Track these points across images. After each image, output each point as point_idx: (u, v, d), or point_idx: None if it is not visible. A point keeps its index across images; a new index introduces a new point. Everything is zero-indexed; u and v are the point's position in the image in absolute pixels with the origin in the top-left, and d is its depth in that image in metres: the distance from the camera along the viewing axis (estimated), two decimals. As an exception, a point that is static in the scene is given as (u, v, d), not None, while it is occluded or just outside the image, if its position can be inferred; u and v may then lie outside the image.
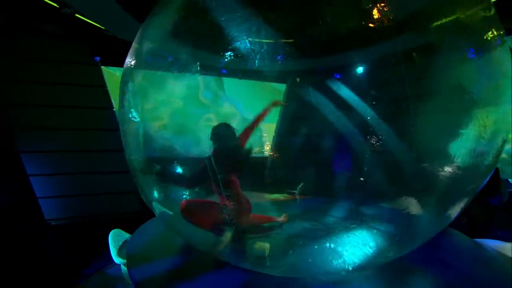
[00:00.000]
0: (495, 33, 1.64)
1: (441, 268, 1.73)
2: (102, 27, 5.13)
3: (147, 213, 5.65)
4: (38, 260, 3.81)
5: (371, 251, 1.66)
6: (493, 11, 1.63)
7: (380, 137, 1.69)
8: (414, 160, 1.61)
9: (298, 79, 2.25)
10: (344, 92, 2.27)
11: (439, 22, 1.65)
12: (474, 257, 1.91)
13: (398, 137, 1.72)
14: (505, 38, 1.65)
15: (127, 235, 2.21)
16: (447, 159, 1.52)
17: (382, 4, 1.42)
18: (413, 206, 2.02)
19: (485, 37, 1.65)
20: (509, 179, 4.82)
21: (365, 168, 2.19)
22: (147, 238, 2.28)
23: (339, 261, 1.60)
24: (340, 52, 1.96)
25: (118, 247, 2.09)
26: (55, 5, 4.22)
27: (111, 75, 6.52)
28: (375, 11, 1.45)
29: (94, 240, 4.39)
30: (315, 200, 2.70)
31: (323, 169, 2.67)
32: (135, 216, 5.47)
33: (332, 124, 2.43)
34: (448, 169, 1.49)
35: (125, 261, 1.96)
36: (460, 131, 1.47)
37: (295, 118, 2.78)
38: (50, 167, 5.33)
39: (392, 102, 1.80)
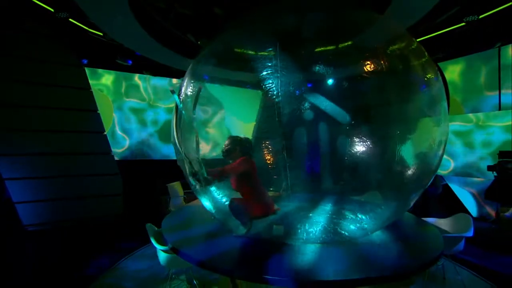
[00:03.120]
0: (432, 73, 2.55)
1: (397, 231, 2.60)
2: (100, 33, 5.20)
3: (131, 216, 5.77)
4: (16, 267, 3.69)
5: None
6: (427, 58, 2.53)
7: (356, 140, 2.44)
8: (386, 162, 2.42)
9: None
10: (321, 102, 3.03)
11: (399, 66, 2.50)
12: (417, 225, 2.89)
13: (371, 142, 2.51)
14: (438, 76, 2.56)
15: (156, 228, 2.65)
16: (412, 161, 2.36)
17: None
18: (378, 198, 2.88)
19: (428, 76, 2.54)
20: (442, 175, 6.22)
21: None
22: (175, 221, 2.84)
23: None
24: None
25: (153, 236, 2.51)
26: (50, 9, 4.27)
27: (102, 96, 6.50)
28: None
29: (75, 245, 4.46)
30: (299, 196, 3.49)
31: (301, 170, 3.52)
32: (119, 219, 5.60)
33: (309, 130, 3.18)
34: (411, 168, 2.31)
35: (161, 246, 2.42)
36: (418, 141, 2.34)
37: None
38: (28, 170, 5.16)
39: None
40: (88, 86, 5.95)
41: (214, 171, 2.39)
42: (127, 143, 7.13)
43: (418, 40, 4.17)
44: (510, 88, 5.50)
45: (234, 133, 2.77)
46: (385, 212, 2.52)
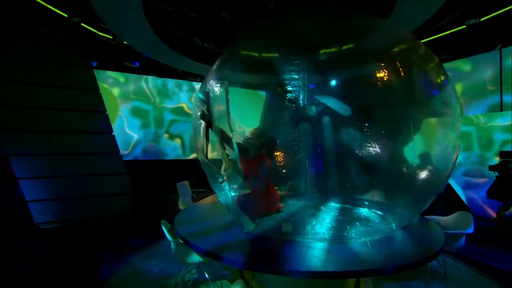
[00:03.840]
0: (442, 77, 2.65)
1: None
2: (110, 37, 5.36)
3: (139, 215, 5.93)
4: (28, 264, 3.77)
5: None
6: (437, 61, 2.62)
7: (367, 144, 2.57)
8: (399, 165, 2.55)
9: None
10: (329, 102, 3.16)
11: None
12: (419, 223, 3.06)
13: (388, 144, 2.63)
14: (448, 79, 2.64)
15: (169, 225, 2.79)
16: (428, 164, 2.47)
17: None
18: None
19: (438, 80, 2.65)
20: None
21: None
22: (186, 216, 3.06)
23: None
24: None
25: (168, 230, 2.67)
26: (64, 14, 4.44)
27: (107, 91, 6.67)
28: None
29: (85, 243, 4.63)
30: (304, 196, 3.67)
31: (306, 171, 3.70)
32: (127, 217, 5.75)
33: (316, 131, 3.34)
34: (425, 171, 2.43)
35: (174, 239, 2.58)
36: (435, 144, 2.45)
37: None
38: (39, 170, 5.34)
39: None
40: (97, 88, 6.14)
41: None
42: (132, 143, 7.28)
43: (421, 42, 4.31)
44: (510, 89, 5.61)
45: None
46: (401, 215, 2.67)
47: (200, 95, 2.67)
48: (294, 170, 3.21)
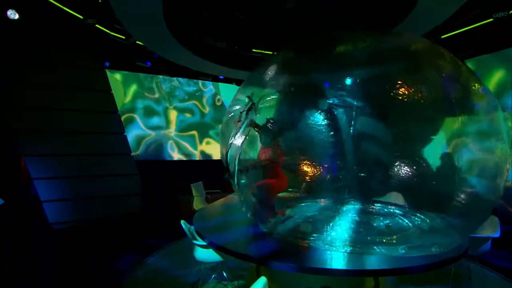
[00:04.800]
0: (479, 86, 2.77)
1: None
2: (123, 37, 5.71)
3: (149, 215, 6.21)
4: (43, 265, 3.98)
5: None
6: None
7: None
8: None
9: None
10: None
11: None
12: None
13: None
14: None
15: (189, 226, 3.02)
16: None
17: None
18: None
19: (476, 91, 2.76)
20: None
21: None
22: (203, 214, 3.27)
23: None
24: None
25: (187, 230, 2.91)
26: (79, 16, 4.81)
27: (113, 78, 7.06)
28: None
29: (98, 243, 4.77)
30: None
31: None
32: (139, 218, 6.06)
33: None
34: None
35: (195, 241, 2.81)
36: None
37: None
38: (53, 170, 5.61)
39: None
40: (109, 88, 6.37)
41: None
42: (142, 143, 7.60)
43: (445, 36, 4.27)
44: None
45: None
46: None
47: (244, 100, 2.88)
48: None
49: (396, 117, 2.95)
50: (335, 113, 3.12)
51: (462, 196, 2.50)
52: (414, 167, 2.64)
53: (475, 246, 3.09)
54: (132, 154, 6.69)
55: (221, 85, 8.72)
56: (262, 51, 6.43)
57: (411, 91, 2.62)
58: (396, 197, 3.36)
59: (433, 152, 2.78)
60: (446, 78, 2.74)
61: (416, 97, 2.64)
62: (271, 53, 6.51)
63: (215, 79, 8.10)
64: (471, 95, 2.69)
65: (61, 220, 5.58)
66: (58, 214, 5.60)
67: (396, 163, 2.66)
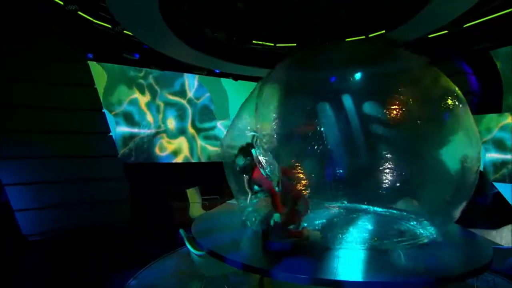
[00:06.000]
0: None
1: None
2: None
3: (139, 224, 6.07)
4: (16, 280, 3.86)
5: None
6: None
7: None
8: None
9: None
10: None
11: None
12: (463, 236, 3.19)
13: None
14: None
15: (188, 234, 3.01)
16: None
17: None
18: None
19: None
20: (493, 182, 6.42)
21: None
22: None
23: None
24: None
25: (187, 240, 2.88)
26: (59, 2, 4.71)
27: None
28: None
29: (80, 256, 4.57)
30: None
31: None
32: (126, 227, 5.93)
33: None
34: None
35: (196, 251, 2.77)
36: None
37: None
38: (28, 175, 5.37)
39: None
40: (92, 83, 6.11)
41: None
42: (130, 144, 7.40)
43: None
44: None
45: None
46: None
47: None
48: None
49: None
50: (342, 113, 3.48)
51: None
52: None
53: (500, 259, 3.11)
54: (119, 155, 6.59)
55: (216, 79, 8.63)
56: (264, 43, 6.42)
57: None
58: (408, 203, 3.48)
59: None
60: None
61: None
62: (272, 44, 6.50)
63: (211, 73, 8.07)
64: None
65: (38, 231, 5.36)
66: (33, 224, 5.38)
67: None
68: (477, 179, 2.96)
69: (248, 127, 3.30)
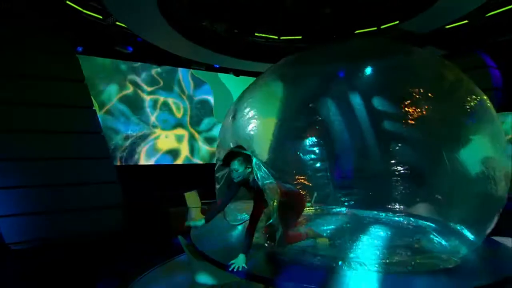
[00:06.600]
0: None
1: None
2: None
3: (132, 231, 5.92)
4: None
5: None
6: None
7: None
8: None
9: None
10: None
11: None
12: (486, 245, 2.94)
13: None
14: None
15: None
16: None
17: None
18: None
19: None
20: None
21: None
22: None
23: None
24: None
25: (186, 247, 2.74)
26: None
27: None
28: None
29: (68, 266, 4.40)
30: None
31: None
32: (118, 235, 5.77)
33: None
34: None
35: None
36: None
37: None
38: (12, 178, 5.21)
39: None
40: (82, 78, 5.92)
41: None
42: (123, 144, 7.25)
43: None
44: None
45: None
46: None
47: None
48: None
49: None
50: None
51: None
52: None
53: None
54: (111, 157, 6.38)
55: (215, 75, 8.52)
56: (266, 35, 6.32)
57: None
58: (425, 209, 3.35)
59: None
60: None
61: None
62: (276, 37, 6.41)
63: (210, 68, 7.97)
64: None
65: (22, 239, 5.22)
66: (17, 232, 5.22)
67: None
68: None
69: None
